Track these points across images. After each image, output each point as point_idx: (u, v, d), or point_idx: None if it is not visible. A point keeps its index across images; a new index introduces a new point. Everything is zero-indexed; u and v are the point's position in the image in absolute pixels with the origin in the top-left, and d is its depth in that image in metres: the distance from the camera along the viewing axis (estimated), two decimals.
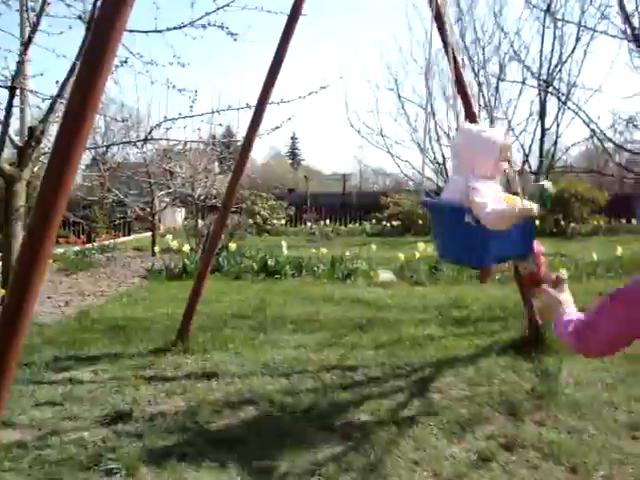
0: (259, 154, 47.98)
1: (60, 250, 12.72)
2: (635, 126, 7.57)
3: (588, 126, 7.46)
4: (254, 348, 4.82)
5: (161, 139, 9.12)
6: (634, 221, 20.81)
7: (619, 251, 9.91)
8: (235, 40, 5.97)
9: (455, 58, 4.30)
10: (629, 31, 6.45)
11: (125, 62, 5.86)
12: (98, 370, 4.35)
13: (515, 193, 3.03)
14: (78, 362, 4.53)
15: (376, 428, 3.28)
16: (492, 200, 2.82)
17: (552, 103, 12.41)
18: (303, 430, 3.26)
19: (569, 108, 8.70)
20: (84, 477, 2.73)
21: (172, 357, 4.59)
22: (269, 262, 9.39)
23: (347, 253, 10.09)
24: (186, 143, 10.32)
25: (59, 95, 5.73)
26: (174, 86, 6.47)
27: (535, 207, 2.83)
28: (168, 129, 8.29)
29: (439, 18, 3.98)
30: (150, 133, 7.58)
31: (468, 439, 3.14)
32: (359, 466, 2.83)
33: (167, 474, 2.76)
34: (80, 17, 5.71)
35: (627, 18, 6.37)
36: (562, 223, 19.45)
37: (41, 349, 4.80)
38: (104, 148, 12.92)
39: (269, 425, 3.32)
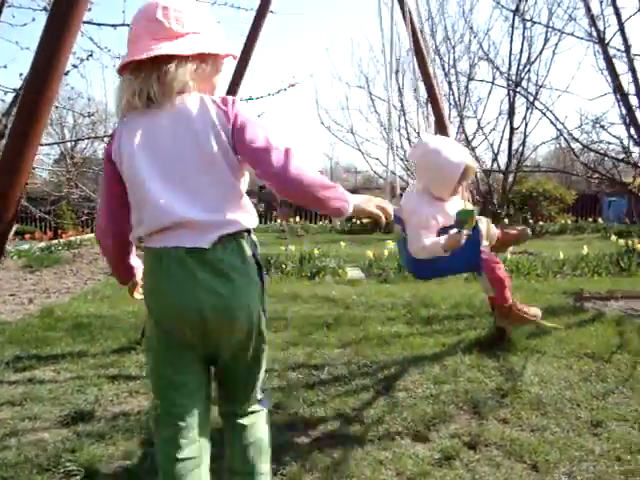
0: None
1: (25, 246, 12.51)
2: (602, 127, 7.66)
3: (555, 126, 7.54)
4: None
5: None
6: (600, 220, 21.13)
7: (585, 250, 10.05)
8: None
9: (422, 53, 4.31)
10: (595, 33, 6.52)
11: (91, 55, 5.74)
12: (60, 369, 4.27)
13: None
14: (40, 361, 4.45)
15: (341, 427, 3.28)
16: (426, 230, 2.88)
17: (521, 102, 12.49)
18: None
19: (537, 108, 8.77)
20: (43, 479, 2.67)
21: (136, 356, 4.53)
22: None
23: (316, 251, 10.08)
24: None
25: (22, 88, 5.60)
26: None
27: (465, 233, 2.79)
28: None
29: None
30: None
31: (432, 438, 3.15)
32: (323, 466, 2.82)
33: (128, 476, 2.72)
34: (45, 9, 5.59)
35: (593, 20, 6.44)
36: (530, 221, 19.71)
37: (2, 348, 4.70)
38: (72, 143, 12.72)
39: None
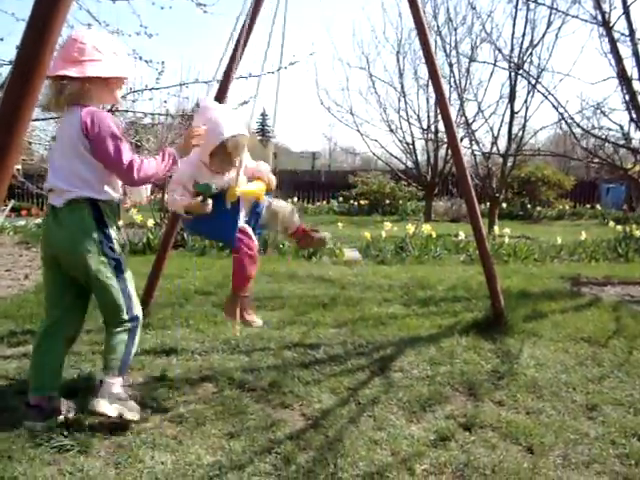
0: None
1: (21, 223, 12.46)
2: (602, 113, 7.61)
3: (557, 110, 7.49)
4: (216, 325, 4.76)
5: (127, 111, 8.89)
6: (598, 206, 21.13)
7: (583, 236, 10.05)
8: (205, 12, 5.83)
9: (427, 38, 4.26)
10: (599, 16, 6.46)
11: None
12: None
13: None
14: (34, 336, 4.41)
15: (336, 406, 3.26)
16: (182, 188, 3.15)
17: (522, 86, 12.40)
18: (262, 408, 3.22)
19: (539, 91, 8.69)
20: (34, 454, 2.64)
21: None
22: None
23: None
24: (154, 117, 10.09)
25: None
26: (140, 57, 6.29)
27: (207, 204, 3.05)
28: (134, 101, 8.08)
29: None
30: (114, 105, 7.37)
31: (428, 418, 3.14)
32: (317, 445, 2.80)
33: (122, 451, 2.70)
34: None
35: (598, 2, 6.37)
36: (528, 206, 19.69)
37: None
38: None
39: (228, 402, 3.27)
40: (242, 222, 3.28)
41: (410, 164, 18.24)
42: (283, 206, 3.55)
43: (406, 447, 2.80)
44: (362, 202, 20.84)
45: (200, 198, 3.07)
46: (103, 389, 2.92)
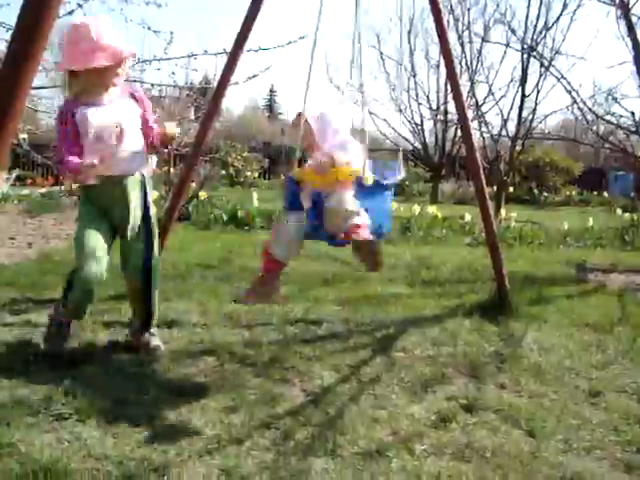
0: (236, 106, 47.25)
1: (25, 192, 12.44)
2: (614, 99, 7.52)
3: (570, 94, 7.39)
4: (218, 298, 4.73)
5: (135, 81, 8.81)
6: (605, 194, 21.00)
7: (590, 222, 9.98)
8: None
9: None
10: None
11: None
12: None
13: None
14: (37, 305, 4.40)
15: (337, 384, 3.24)
16: None
17: (534, 70, 12.24)
18: (262, 383, 3.20)
19: (551, 74, 8.57)
20: (33, 421, 2.63)
21: None
22: (239, 213, 9.26)
23: None
24: (162, 89, 10.01)
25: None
26: (149, 27, 6.20)
27: None
28: (142, 71, 7.99)
29: None
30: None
31: (429, 399, 3.11)
32: (317, 421, 2.78)
33: (121, 421, 2.68)
34: None
35: None
36: (535, 191, 19.58)
37: None
38: None
39: (228, 376, 3.26)
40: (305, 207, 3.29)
41: (418, 145, 18.12)
42: (337, 206, 3.13)
43: (406, 427, 2.77)
44: None
45: None
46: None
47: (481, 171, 4.52)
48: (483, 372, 3.47)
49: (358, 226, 3.08)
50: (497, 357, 3.75)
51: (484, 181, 4.56)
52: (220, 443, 2.53)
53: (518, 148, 13.02)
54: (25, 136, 11.47)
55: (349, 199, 3.11)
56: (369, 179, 3.18)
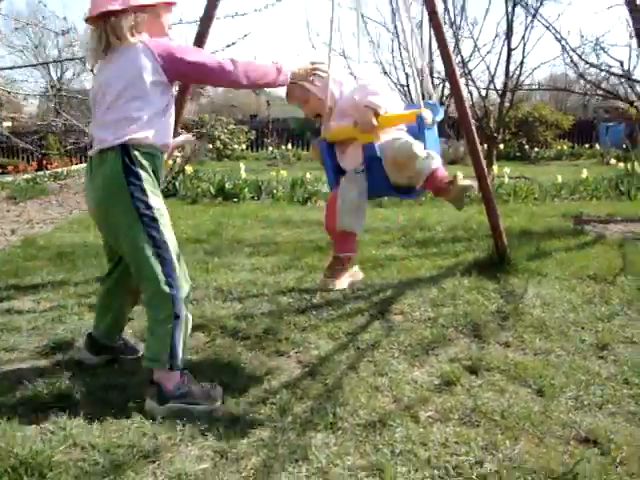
0: None
1: (8, 179, 12.20)
2: (602, 48, 7.32)
3: (559, 42, 7.19)
4: (207, 272, 4.58)
5: None
6: (597, 146, 20.82)
7: (584, 174, 9.83)
8: None
9: None
10: None
11: None
12: (40, 299, 4.05)
13: None
14: (19, 291, 4.23)
15: (334, 353, 3.10)
16: None
17: (519, 22, 11.93)
18: (256, 356, 3.06)
19: (539, 21, 8.32)
20: (18, 412, 2.48)
21: None
22: (227, 185, 9.07)
23: (308, 175, 9.80)
24: None
25: None
26: None
27: None
28: None
29: None
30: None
31: (431, 362, 2.98)
32: (315, 393, 2.64)
33: (107, 406, 2.53)
34: None
35: None
36: (526, 147, 19.37)
37: None
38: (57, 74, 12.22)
39: (221, 351, 3.12)
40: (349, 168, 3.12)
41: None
42: (403, 154, 2.86)
43: (409, 393, 2.64)
44: None
45: None
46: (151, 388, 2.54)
47: (472, 123, 4.33)
48: (485, 331, 3.34)
49: (437, 169, 2.86)
50: (499, 315, 3.62)
51: (477, 137, 4.38)
52: (213, 422, 2.39)
53: (507, 105, 12.77)
54: (9, 124, 11.16)
55: (413, 143, 2.84)
56: (428, 119, 2.93)
